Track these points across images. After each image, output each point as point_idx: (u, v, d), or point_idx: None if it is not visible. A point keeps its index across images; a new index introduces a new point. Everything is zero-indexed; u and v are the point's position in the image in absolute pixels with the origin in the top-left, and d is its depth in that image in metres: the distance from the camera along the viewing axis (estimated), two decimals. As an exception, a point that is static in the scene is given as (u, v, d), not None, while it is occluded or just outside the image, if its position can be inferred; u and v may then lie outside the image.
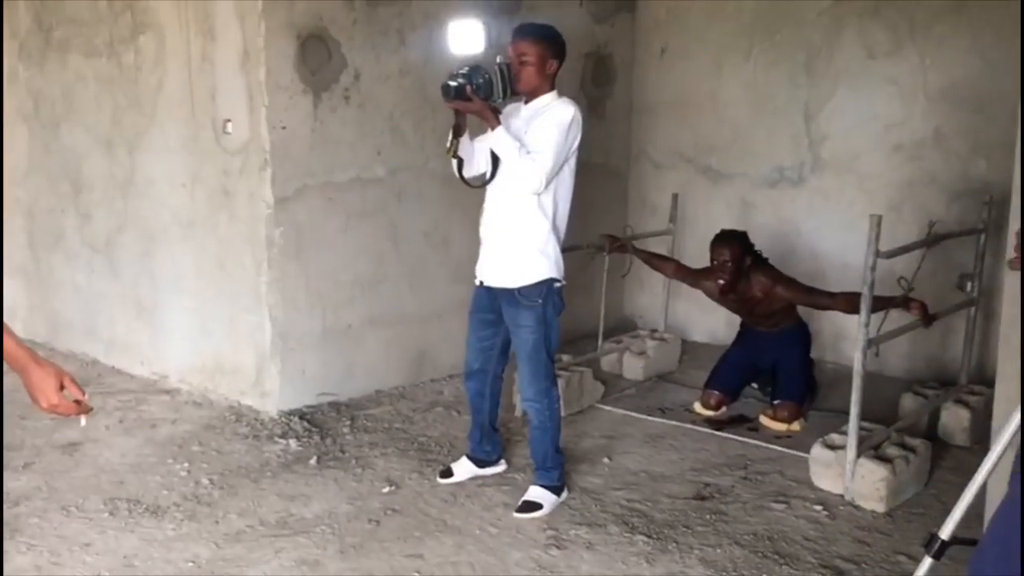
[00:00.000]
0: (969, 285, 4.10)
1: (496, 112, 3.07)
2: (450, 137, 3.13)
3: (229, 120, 4.09)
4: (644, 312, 5.81)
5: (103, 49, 4.62)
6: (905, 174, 4.77)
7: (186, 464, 3.64)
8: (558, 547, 2.99)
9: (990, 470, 1.88)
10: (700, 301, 4.69)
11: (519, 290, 3.16)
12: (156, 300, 4.67)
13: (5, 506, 3.24)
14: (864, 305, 3.30)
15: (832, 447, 3.45)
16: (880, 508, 3.26)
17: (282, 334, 4.14)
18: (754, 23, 5.21)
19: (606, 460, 3.76)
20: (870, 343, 3.33)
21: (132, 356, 4.81)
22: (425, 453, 3.80)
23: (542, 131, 3.06)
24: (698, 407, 4.30)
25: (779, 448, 3.86)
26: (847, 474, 3.33)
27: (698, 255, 4.40)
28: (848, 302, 3.68)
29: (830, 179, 5.06)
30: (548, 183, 3.06)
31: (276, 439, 3.88)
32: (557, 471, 3.34)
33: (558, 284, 3.22)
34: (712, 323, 5.38)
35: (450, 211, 4.66)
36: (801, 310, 4.25)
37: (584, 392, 4.37)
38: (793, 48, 5.07)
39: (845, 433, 3.38)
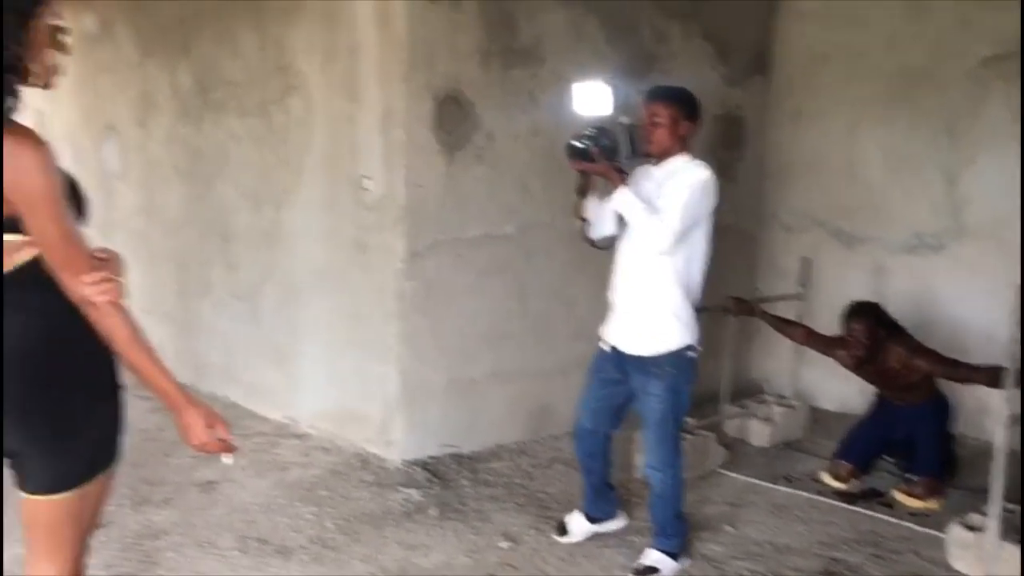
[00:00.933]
0: None
1: (621, 173, 3.08)
2: (576, 198, 3.17)
3: (367, 177, 4.28)
4: (771, 377, 5.67)
5: (255, 110, 4.92)
6: (1055, 242, 4.54)
7: (313, 508, 3.76)
8: (676, 615, 2.93)
9: None
10: (830, 367, 4.55)
11: (652, 358, 3.11)
12: (293, 348, 4.87)
13: (146, 539, 3.42)
14: (1008, 379, 3.14)
15: (972, 528, 3.27)
16: (1025, 597, 3.06)
17: (409, 385, 4.25)
18: (893, 85, 5.11)
19: (729, 528, 3.67)
20: (1014, 419, 3.16)
21: (268, 400, 5.03)
22: (544, 510, 3.80)
23: (673, 191, 3.04)
24: (827, 478, 4.15)
25: (914, 526, 3.69)
26: (988, 558, 3.15)
27: (829, 320, 4.29)
28: (991, 375, 3.51)
29: (972, 246, 4.86)
30: (675, 243, 3.01)
31: (399, 488, 3.96)
32: (678, 538, 3.28)
33: (692, 354, 3.15)
34: (843, 391, 5.20)
35: (577, 270, 4.70)
36: (941, 381, 4.07)
37: (707, 456, 4.29)
38: (934, 110, 4.93)
39: (986, 514, 3.20)
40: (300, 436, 4.68)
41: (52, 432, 1.80)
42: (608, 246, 3.23)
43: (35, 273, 1.74)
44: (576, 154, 3.04)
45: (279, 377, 4.97)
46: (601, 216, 3.21)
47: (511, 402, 4.62)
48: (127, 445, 1.97)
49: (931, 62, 4.94)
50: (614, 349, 3.25)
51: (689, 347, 3.14)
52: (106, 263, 1.76)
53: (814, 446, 4.69)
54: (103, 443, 1.89)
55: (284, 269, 4.88)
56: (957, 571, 3.27)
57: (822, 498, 4.00)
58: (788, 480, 4.23)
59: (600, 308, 4.97)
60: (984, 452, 3.93)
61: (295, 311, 4.84)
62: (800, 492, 4.07)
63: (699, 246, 3.15)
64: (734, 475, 4.27)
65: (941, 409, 4.08)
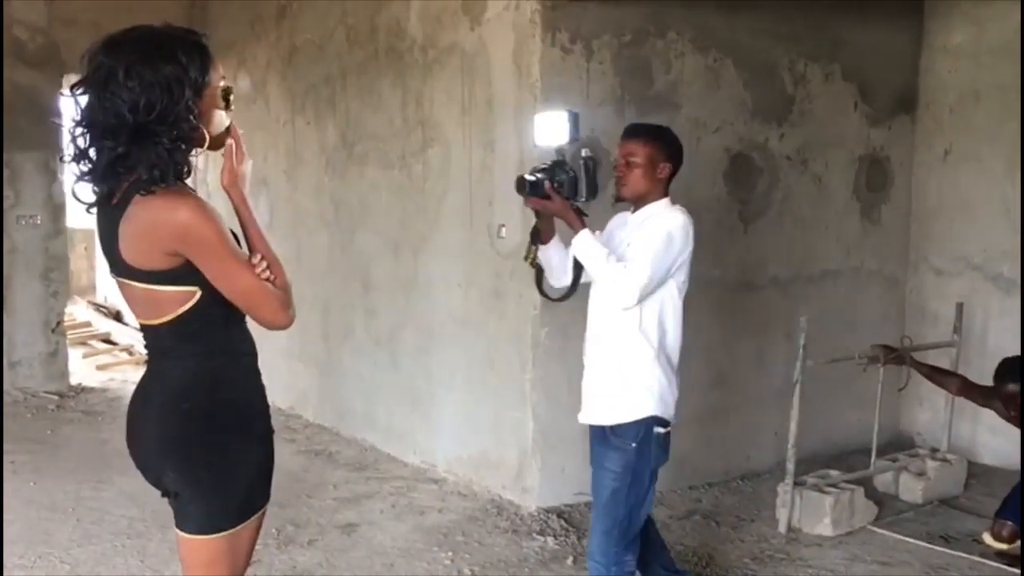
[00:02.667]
0: None
1: (580, 214, 2.67)
2: (528, 242, 2.77)
3: (503, 225, 4.34)
4: (923, 429, 5.38)
5: (396, 161, 5.10)
6: None
7: (450, 553, 3.79)
8: None
9: None
10: (989, 419, 4.29)
11: (612, 428, 2.68)
12: (430, 393, 4.96)
13: (290, 578, 3.53)
14: None
15: None
16: None
17: (544, 431, 4.24)
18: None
19: (880, 589, 3.48)
20: None
21: (406, 444, 5.12)
22: (682, 563, 3.70)
23: (642, 239, 2.66)
24: (988, 538, 3.88)
25: (995, 563, 3.41)
26: None
27: (986, 369, 4.04)
28: None
29: None
30: (642, 297, 2.60)
31: (534, 535, 3.94)
32: None
33: (661, 430, 2.69)
34: (1004, 445, 4.86)
35: (713, 316, 4.62)
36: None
37: (855, 512, 4.09)
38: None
39: None
40: (437, 481, 4.73)
41: (210, 475, 1.88)
42: (561, 298, 2.82)
43: (195, 321, 1.84)
44: (526, 188, 2.63)
45: (417, 422, 5.06)
46: (559, 264, 2.79)
47: (647, 451, 4.54)
48: (273, 486, 2.04)
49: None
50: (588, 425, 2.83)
51: (656, 420, 2.68)
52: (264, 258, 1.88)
53: (973, 503, 4.41)
54: (255, 486, 1.96)
55: (421, 315, 4.99)
56: None
57: (984, 560, 3.74)
58: (946, 540, 3.98)
59: (736, 356, 4.87)
60: None
61: (432, 357, 4.93)
62: (959, 553, 3.82)
63: (673, 301, 2.72)
64: (885, 532, 4.05)
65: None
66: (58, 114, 6.41)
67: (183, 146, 1.79)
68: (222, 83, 1.86)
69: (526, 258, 2.80)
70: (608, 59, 4.23)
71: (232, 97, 1.89)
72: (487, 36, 4.36)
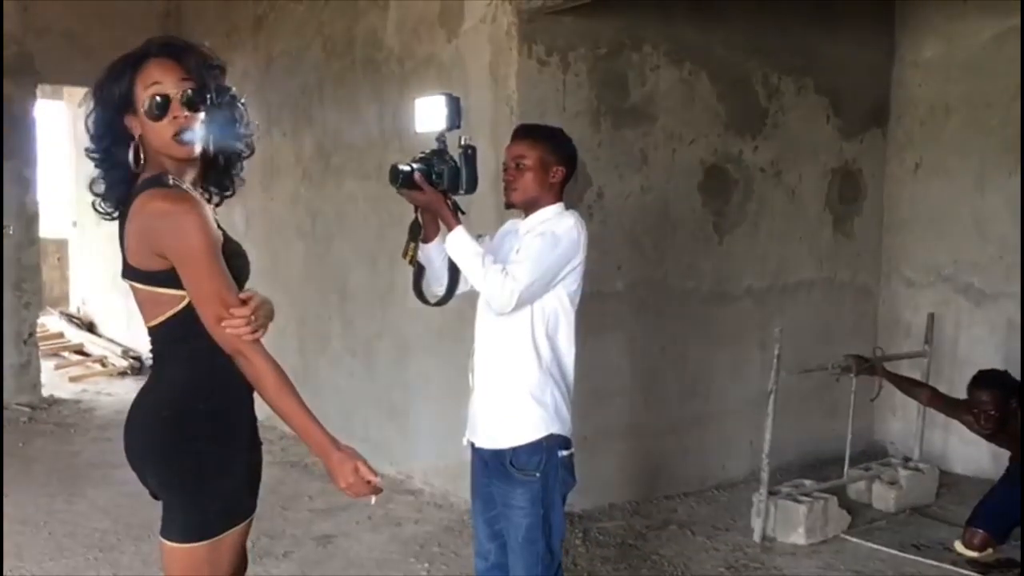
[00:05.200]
0: None
1: (456, 209, 2.47)
2: (407, 239, 2.54)
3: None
4: (896, 438, 5.43)
5: (373, 172, 5.09)
6: None
7: (427, 564, 3.78)
8: None
9: None
10: (961, 429, 4.34)
11: (510, 455, 2.47)
12: (406, 403, 4.95)
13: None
14: None
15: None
16: None
17: (521, 442, 4.24)
18: (1020, 135, 4.91)
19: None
20: None
21: (382, 455, 5.08)
22: (657, 572, 3.73)
23: (527, 244, 2.50)
24: (959, 546, 3.93)
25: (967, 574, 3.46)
26: None
27: (957, 380, 4.11)
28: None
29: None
30: (521, 303, 2.42)
31: (511, 546, 3.94)
32: None
33: (564, 452, 2.52)
34: (975, 454, 4.93)
35: (688, 327, 4.66)
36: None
37: (829, 521, 4.13)
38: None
39: None
40: (414, 492, 4.73)
41: (191, 481, 1.88)
42: (438, 303, 2.63)
43: (183, 325, 1.85)
44: (397, 179, 2.40)
45: (393, 433, 5.05)
46: (440, 266, 2.55)
47: (624, 460, 4.57)
48: (252, 501, 2.03)
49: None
50: (472, 446, 2.63)
51: (556, 439, 2.49)
52: (246, 303, 1.83)
53: (945, 512, 4.46)
54: (239, 496, 1.95)
55: (398, 325, 4.98)
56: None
57: (955, 568, 3.78)
58: (918, 548, 4.02)
59: (713, 364, 4.91)
60: None
61: (409, 367, 4.92)
62: (931, 561, 3.86)
63: (564, 311, 2.54)
64: (858, 541, 4.09)
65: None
66: (32, 124, 6.37)
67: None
68: (149, 91, 1.81)
69: (404, 255, 2.54)
70: (584, 72, 4.26)
71: (159, 103, 1.80)
72: (464, 48, 4.38)
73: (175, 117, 1.81)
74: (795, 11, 4.95)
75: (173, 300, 1.84)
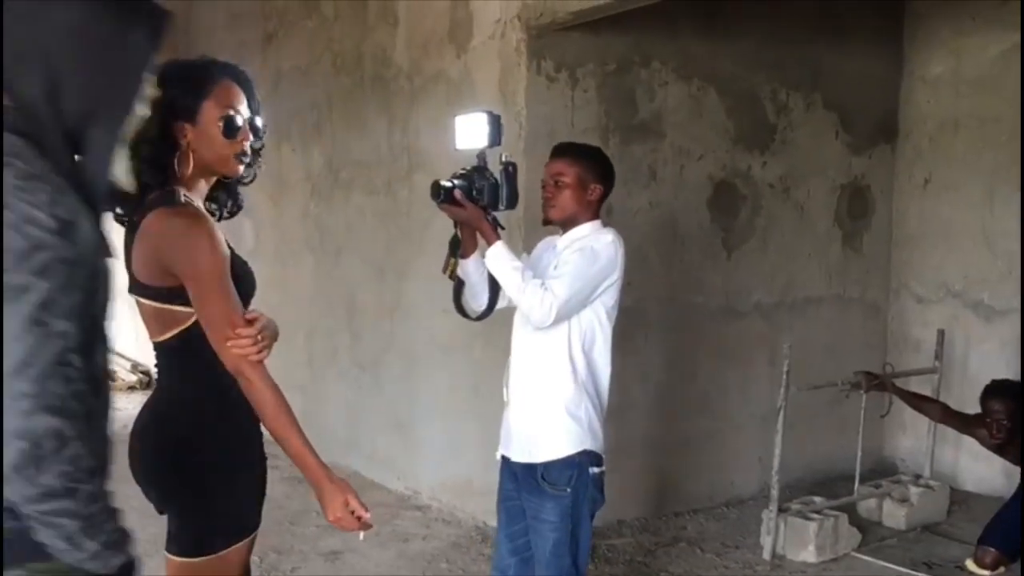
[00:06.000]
0: None
1: (496, 225, 2.51)
2: (447, 254, 2.60)
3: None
4: (906, 456, 5.40)
5: (381, 187, 5.11)
6: None
7: (434, 580, 3.77)
8: None
9: None
10: (971, 446, 4.31)
11: (543, 469, 2.50)
12: (414, 418, 4.94)
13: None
14: None
15: None
16: None
17: (529, 458, 4.23)
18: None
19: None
20: None
21: (389, 471, 5.09)
22: (667, 590, 3.70)
23: (566, 259, 2.54)
24: (971, 565, 3.89)
25: None
26: None
27: (967, 396, 4.09)
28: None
29: None
30: (559, 318, 2.44)
31: (519, 563, 3.92)
32: None
33: (596, 470, 2.54)
34: (986, 471, 4.90)
35: (696, 342, 4.64)
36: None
37: (839, 539, 4.10)
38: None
39: None
40: (421, 508, 4.71)
41: (194, 497, 1.89)
42: (479, 317, 2.67)
43: (191, 342, 1.86)
44: (439, 195, 2.46)
45: (400, 448, 5.04)
46: (478, 280, 2.59)
47: (633, 477, 4.54)
48: (259, 517, 2.03)
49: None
50: (504, 460, 2.66)
51: (589, 455, 2.52)
52: (252, 324, 1.84)
53: (956, 530, 4.42)
54: (243, 512, 1.96)
55: (406, 340, 4.98)
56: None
57: (967, 587, 3.75)
58: (929, 566, 3.99)
59: (722, 382, 4.89)
60: None
61: (416, 382, 4.92)
62: (942, 580, 3.83)
63: (602, 327, 2.57)
64: (868, 559, 4.06)
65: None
66: None
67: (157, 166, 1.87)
68: (224, 112, 1.91)
69: (444, 270, 2.61)
70: (593, 87, 4.27)
71: (235, 126, 1.93)
72: (472, 64, 4.39)
73: (242, 140, 1.94)
74: (803, 26, 4.96)
75: (181, 317, 1.85)
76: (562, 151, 2.65)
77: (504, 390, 2.67)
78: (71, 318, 1.21)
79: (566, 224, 2.62)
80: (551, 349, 2.52)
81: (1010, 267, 5.00)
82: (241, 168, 1.97)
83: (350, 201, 5.41)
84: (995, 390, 3.81)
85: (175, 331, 1.86)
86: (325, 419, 5.67)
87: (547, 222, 2.64)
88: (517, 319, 2.63)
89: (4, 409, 1.19)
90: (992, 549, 3.85)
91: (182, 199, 1.85)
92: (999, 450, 3.89)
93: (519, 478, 2.57)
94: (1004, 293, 5.04)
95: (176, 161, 1.87)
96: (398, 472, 5.04)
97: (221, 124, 1.89)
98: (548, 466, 2.48)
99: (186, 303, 1.83)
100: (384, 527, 4.41)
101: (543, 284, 2.43)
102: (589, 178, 2.59)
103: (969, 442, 4.17)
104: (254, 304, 1.98)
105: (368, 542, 4.20)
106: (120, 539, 1.34)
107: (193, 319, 1.84)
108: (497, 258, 2.47)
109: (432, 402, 4.81)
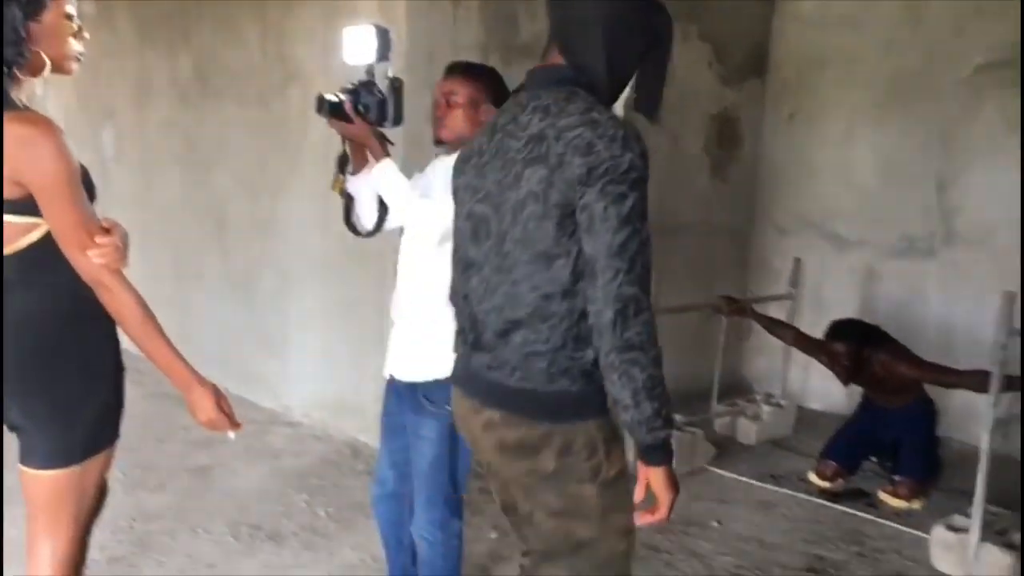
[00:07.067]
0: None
1: (384, 141, 2.47)
2: (335, 170, 2.55)
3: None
4: (761, 376, 5.72)
5: (254, 99, 4.94)
6: (1043, 250, 4.60)
7: (305, 496, 3.79)
8: (663, 608, 2.98)
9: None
10: (819, 368, 4.61)
11: (425, 388, 2.48)
12: (286, 337, 4.90)
13: (139, 523, 3.46)
14: (993, 384, 3.19)
15: (955, 529, 3.33)
16: (1004, 597, 3.12)
17: (402, 376, 4.27)
18: (889, 91, 5.15)
19: (716, 524, 3.72)
20: (999, 423, 3.22)
21: (261, 388, 5.05)
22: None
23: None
24: (813, 477, 4.19)
25: (898, 526, 3.74)
26: (970, 559, 3.21)
27: (819, 322, 4.34)
28: (976, 380, 3.55)
29: (963, 252, 4.92)
30: (444, 238, 2.33)
31: (390, 478, 4.00)
32: None
33: None
34: (831, 391, 5.24)
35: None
36: (929, 385, 4.12)
37: (696, 453, 4.34)
38: (929, 117, 4.98)
39: (969, 516, 3.26)
40: (293, 425, 4.71)
41: (52, 407, 1.86)
42: (368, 234, 2.63)
43: (43, 253, 1.79)
44: (325, 108, 2.39)
45: (273, 366, 5.00)
46: (368, 198, 2.55)
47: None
48: (121, 430, 2.01)
49: (926, 68, 4.99)
50: (391, 378, 2.64)
51: None
52: (110, 232, 1.80)
53: (801, 445, 4.74)
54: (103, 421, 1.94)
55: (279, 258, 4.90)
56: (939, 571, 3.33)
57: (808, 497, 4.05)
58: (775, 478, 4.28)
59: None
60: (968, 455, 4.00)
61: (290, 300, 4.86)
62: (786, 490, 4.12)
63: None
64: (722, 472, 4.32)
65: (927, 412, 4.13)
66: None
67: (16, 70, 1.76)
68: (67, 9, 1.82)
69: (332, 187, 2.55)
70: (475, 7, 4.22)
71: (77, 25, 1.85)
72: (352, -26, 4.26)
73: (78, 36, 1.86)
74: (684, -44, 5.01)
75: (30, 228, 1.78)
76: (455, 70, 2.57)
77: (392, 309, 2.64)
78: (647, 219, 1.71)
79: (457, 145, 2.49)
80: (437, 269, 2.41)
81: (863, 201, 5.29)
82: (76, 68, 1.88)
83: (220, 112, 5.21)
84: (837, 332, 4.04)
85: (24, 243, 1.79)
86: (193, 336, 5.53)
87: (438, 142, 2.56)
88: (404, 239, 2.58)
89: (605, 282, 1.64)
90: (832, 462, 4.15)
91: (21, 104, 1.75)
92: (844, 382, 4.17)
93: (402, 396, 2.57)
94: (855, 225, 5.34)
95: (15, 61, 1.76)
96: (270, 390, 5.00)
97: (68, 21, 1.83)
98: (430, 385, 2.47)
99: (34, 213, 1.76)
100: (255, 443, 4.40)
101: (431, 203, 2.41)
102: (482, 98, 2.50)
103: (817, 364, 4.45)
104: (114, 213, 1.92)
105: (238, 458, 4.18)
106: (669, 413, 1.72)
107: (42, 231, 1.79)
108: (385, 175, 2.44)
109: (306, 320, 4.77)
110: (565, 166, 1.65)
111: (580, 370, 1.73)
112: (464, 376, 1.91)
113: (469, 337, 1.87)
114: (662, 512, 1.78)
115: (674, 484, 1.79)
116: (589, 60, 1.77)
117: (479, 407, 1.85)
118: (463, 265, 1.90)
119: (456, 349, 1.99)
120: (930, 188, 5.00)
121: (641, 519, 1.81)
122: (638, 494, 1.81)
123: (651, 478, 1.78)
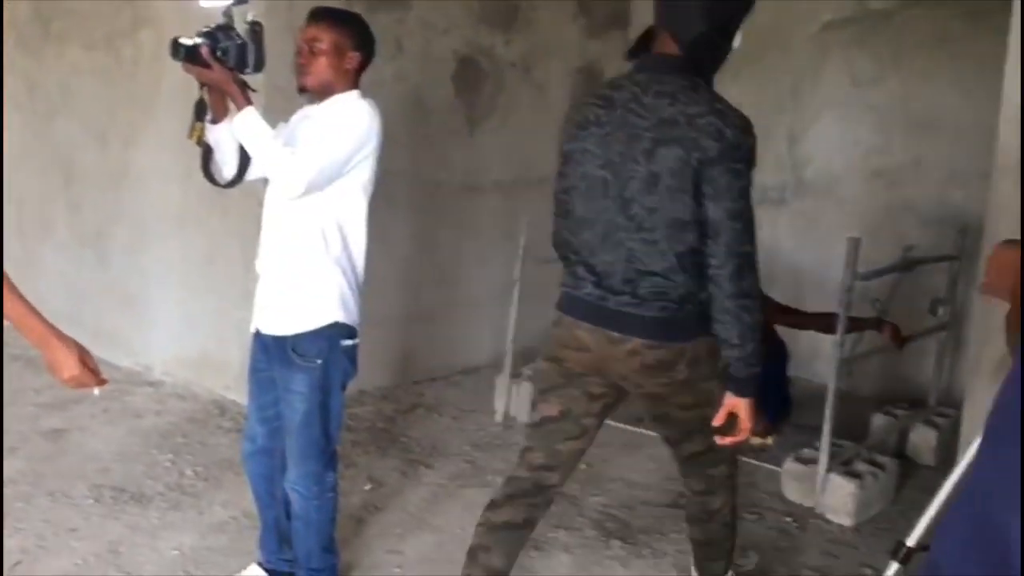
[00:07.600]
0: (941, 310, 4.22)
1: (245, 87, 2.37)
2: (192, 118, 2.43)
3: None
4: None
5: (101, 43, 4.67)
6: (883, 200, 4.90)
7: (170, 455, 3.69)
8: (536, 548, 3.06)
9: (954, 484, 1.98)
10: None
11: (293, 342, 2.45)
12: (144, 293, 4.71)
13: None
14: (839, 326, 3.40)
15: (804, 461, 3.56)
16: (848, 522, 3.36)
17: (269, 331, 4.19)
18: (742, 46, 5.31)
19: (583, 466, 3.83)
20: (844, 363, 3.44)
21: (118, 347, 4.84)
22: (406, 453, 3.87)
23: (319, 129, 2.41)
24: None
25: (752, 461, 3.95)
26: (817, 488, 3.43)
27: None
28: (824, 322, 3.77)
29: (811, 201, 5.18)
30: (310, 188, 2.34)
31: (259, 434, 3.93)
32: (326, 573, 2.66)
33: (348, 342, 2.52)
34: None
35: (439, 217, 4.74)
36: (778, 327, 4.34)
37: (564, 400, 4.44)
38: (780, 72, 5.19)
39: (817, 449, 3.48)
40: (153, 383, 4.55)
41: None
42: (228, 185, 2.53)
43: None
44: (180, 53, 2.28)
45: (129, 323, 4.80)
46: (228, 147, 2.45)
47: (373, 348, 4.60)
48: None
49: (777, 24, 5.17)
50: (258, 332, 2.58)
51: (340, 328, 2.49)
52: None
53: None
54: None
55: (134, 211, 4.68)
56: (791, 500, 3.55)
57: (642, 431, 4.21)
58: (640, 421, 4.43)
59: (462, 254, 5.05)
60: (817, 394, 4.26)
61: (146, 255, 4.66)
62: (648, 432, 4.26)
63: (356, 205, 2.50)
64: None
65: (779, 354, 4.35)
66: None
67: None
68: None
69: (190, 136, 2.43)
70: (338, -51, 4.09)
71: None
72: (206, -89, 4.06)
73: None
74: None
75: None
76: (318, 16, 2.49)
77: (256, 262, 2.58)
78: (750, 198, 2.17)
79: (322, 93, 2.48)
80: (302, 221, 2.44)
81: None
82: None
83: (64, 56, 4.90)
84: None
85: None
86: (41, 294, 5.23)
87: (302, 90, 2.49)
88: (269, 191, 2.52)
89: (728, 241, 2.10)
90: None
91: None
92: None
93: (270, 350, 2.53)
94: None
95: None
96: (127, 349, 4.80)
97: None
98: (298, 338, 2.45)
99: None
100: (113, 404, 4.23)
101: (294, 153, 2.33)
102: (347, 45, 2.45)
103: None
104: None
105: (96, 420, 4.02)
106: (759, 356, 2.14)
107: None
108: (247, 124, 2.33)
109: (164, 275, 4.59)
110: (699, 148, 2.06)
111: (699, 302, 2.16)
112: (599, 314, 2.25)
113: (594, 282, 2.25)
114: (745, 435, 2.22)
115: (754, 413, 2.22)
116: (697, 38, 2.23)
117: (623, 338, 2.21)
118: (576, 221, 2.31)
119: (578, 290, 2.31)
120: (781, 141, 5.23)
121: (722, 440, 2.25)
122: (719, 419, 2.20)
123: (740, 406, 2.18)
